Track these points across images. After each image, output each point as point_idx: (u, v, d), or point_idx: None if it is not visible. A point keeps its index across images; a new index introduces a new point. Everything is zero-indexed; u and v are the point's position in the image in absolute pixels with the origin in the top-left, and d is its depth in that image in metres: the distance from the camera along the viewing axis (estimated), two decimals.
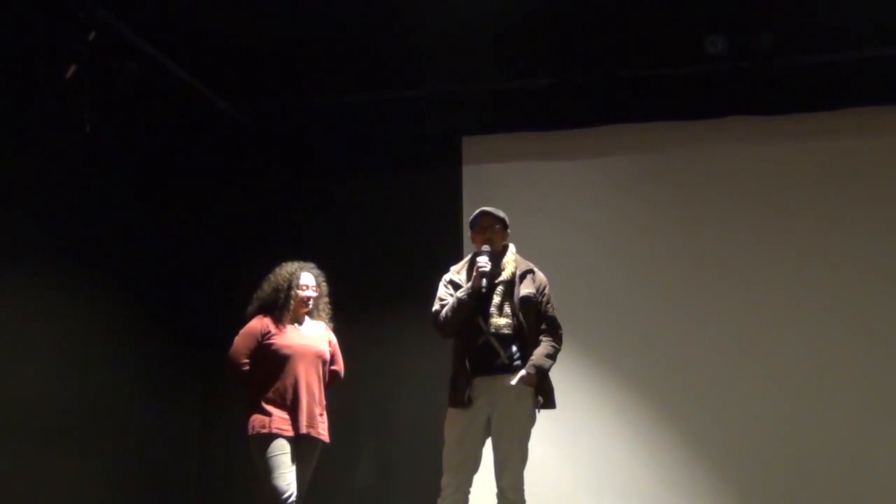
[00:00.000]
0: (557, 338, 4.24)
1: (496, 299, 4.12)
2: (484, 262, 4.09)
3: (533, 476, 5.58)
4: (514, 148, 6.13)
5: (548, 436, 5.64)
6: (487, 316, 4.10)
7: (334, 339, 4.68)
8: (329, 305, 4.67)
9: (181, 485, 6.07)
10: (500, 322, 4.10)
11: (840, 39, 5.49)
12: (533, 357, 4.11)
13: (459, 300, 4.10)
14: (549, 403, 4.19)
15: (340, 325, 4.77)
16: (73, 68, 4.92)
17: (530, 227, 5.95)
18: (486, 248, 4.17)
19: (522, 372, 4.07)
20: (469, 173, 6.14)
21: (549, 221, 5.96)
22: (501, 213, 4.30)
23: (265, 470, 4.25)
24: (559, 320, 4.29)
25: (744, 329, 5.62)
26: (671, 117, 5.92)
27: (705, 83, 5.82)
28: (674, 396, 5.63)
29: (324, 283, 4.65)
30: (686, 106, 5.89)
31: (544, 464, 5.59)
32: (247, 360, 4.43)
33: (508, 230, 4.31)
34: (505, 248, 4.29)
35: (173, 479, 6.00)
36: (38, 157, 4.97)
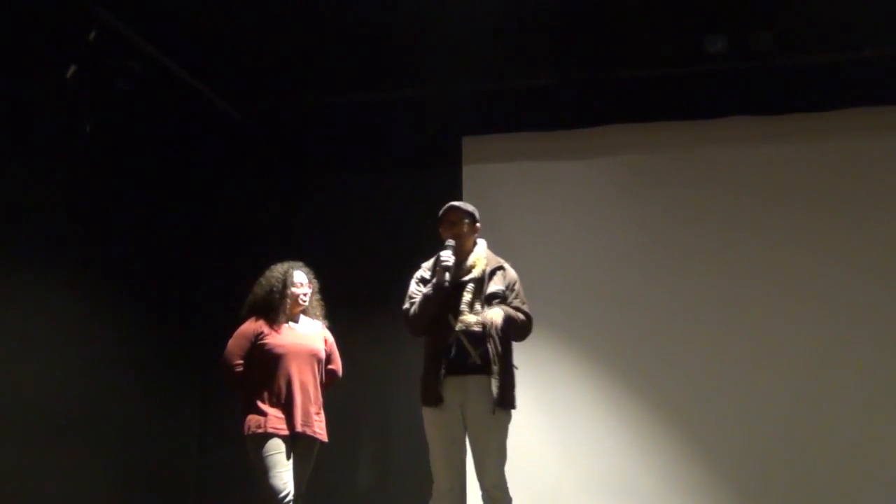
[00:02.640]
0: (527, 316, 4.15)
1: (466, 297, 4.07)
2: (447, 255, 4.05)
3: (532, 475, 5.60)
4: (514, 148, 6.13)
5: (547, 435, 5.67)
6: (458, 314, 4.06)
7: (331, 338, 4.67)
8: (321, 302, 4.67)
9: (181, 485, 6.07)
10: (470, 320, 4.04)
11: (840, 39, 5.49)
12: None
13: (425, 296, 4.07)
14: (509, 402, 4.09)
15: (340, 325, 4.76)
16: (73, 68, 4.92)
17: (530, 226, 5.97)
18: (450, 242, 4.12)
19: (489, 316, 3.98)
20: (469, 173, 6.14)
21: (549, 221, 5.96)
22: (471, 208, 4.25)
23: (262, 469, 4.25)
24: (531, 314, 4.18)
25: (744, 329, 5.61)
26: (671, 117, 5.92)
27: (705, 83, 5.82)
28: (673, 396, 5.62)
29: (314, 281, 4.64)
30: (686, 106, 5.89)
31: (543, 463, 5.60)
32: (240, 362, 4.43)
33: (478, 224, 4.26)
34: (475, 244, 4.24)
35: (173, 479, 6.00)
36: (38, 157, 4.97)
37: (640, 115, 5.94)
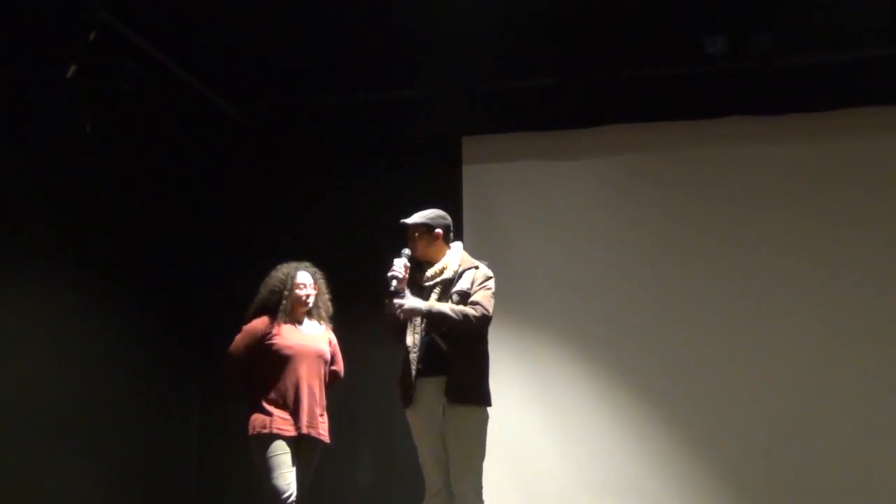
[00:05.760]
0: (476, 310, 4.02)
1: (433, 298, 4.15)
2: (397, 264, 4.14)
3: (532, 475, 5.59)
4: (514, 148, 6.13)
5: (547, 435, 5.67)
6: None
7: (334, 340, 4.68)
8: (330, 304, 4.67)
9: (181, 486, 6.06)
10: None
11: (840, 39, 5.49)
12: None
13: (384, 304, 4.15)
14: (478, 399, 4.05)
15: (340, 326, 4.76)
16: (73, 68, 4.92)
17: (530, 226, 5.97)
18: (406, 251, 4.21)
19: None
20: (469, 173, 6.14)
21: (549, 221, 5.96)
22: (422, 219, 4.27)
23: (265, 470, 4.25)
24: (487, 307, 4.04)
25: (743, 329, 5.62)
26: (671, 117, 5.92)
27: (705, 83, 5.82)
28: (673, 396, 5.62)
29: (322, 282, 4.65)
30: (686, 106, 5.89)
31: (543, 463, 5.60)
32: (244, 356, 4.43)
33: (437, 231, 4.25)
34: (448, 249, 4.28)
35: (173, 480, 5.99)
36: (38, 157, 4.97)
37: (640, 115, 5.93)
